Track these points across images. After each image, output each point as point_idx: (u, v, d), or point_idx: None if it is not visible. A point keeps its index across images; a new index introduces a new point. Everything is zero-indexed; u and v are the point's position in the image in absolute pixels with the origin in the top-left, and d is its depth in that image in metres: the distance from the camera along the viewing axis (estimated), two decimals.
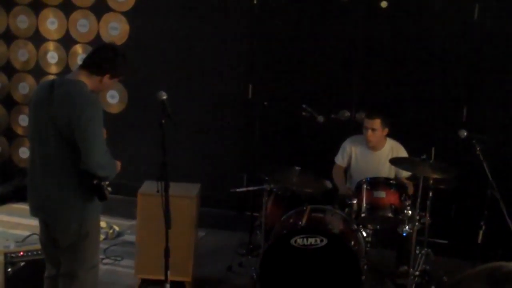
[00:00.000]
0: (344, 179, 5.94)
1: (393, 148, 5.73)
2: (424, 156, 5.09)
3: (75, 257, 4.00)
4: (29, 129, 4.08)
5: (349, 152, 5.89)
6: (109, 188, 3.93)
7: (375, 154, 5.76)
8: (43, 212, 4.01)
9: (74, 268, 4.01)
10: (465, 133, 5.36)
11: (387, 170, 5.67)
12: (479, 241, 5.26)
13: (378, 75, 6.69)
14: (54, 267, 4.16)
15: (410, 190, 5.46)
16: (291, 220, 5.16)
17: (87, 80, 3.91)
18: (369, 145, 5.72)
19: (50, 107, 3.82)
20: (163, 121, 4.05)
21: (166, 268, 4.14)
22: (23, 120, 7.84)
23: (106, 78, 3.96)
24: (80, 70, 3.96)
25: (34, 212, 4.06)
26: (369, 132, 5.62)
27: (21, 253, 4.78)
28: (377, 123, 5.59)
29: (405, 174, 5.64)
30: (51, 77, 7.53)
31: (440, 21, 6.46)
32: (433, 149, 5.40)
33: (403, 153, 5.72)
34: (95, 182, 3.85)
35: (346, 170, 5.98)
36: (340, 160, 5.94)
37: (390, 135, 5.76)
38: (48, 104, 3.84)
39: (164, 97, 4.19)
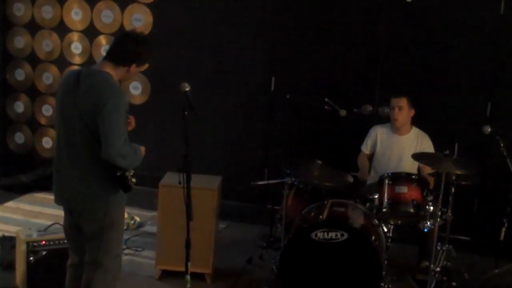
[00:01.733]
0: (367, 166, 5.99)
1: (419, 136, 5.78)
2: (447, 152, 5.05)
3: (100, 246, 4.02)
4: (56, 118, 4.09)
5: (374, 137, 5.94)
6: (134, 179, 3.93)
7: (400, 138, 5.79)
8: (68, 200, 4.03)
9: (99, 257, 4.04)
10: (489, 129, 5.30)
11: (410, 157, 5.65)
12: (502, 238, 5.20)
13: (401, 69, 6.65)
14: (77, 255, 4.19)
15: (431, 184, 5.42)
16: (312, 214, 5.14)
17: (113, 71, 3.92)
18: (395, 124, 5.76)
19: (76, 96, 3.84)
20: (185, 112, 4.05)
21: (187, 259, 4.14)
22: (47, 110, 7.89)
23: (133, 68, 3.98)
24: (105, 62, 3.97)
25: (59, 200, 4.08)
26: (396, 110, 5.70)
27: (43, 242, 4.81)
28: (404, 101, 5.68)
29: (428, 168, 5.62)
30: (75, 67, 7.58)
31: (465, 16, 6.40)
32: (456, 144, 5.35)
33: (428, 142, 5.77)
34: (118, 173, 3.85)
35: (371, 159, 5.99)
36: (365, 147, 6.01)
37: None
38: (74, 93, 3.85)
39: (187, 89, 4.20)
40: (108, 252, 4.05)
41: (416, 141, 5.76)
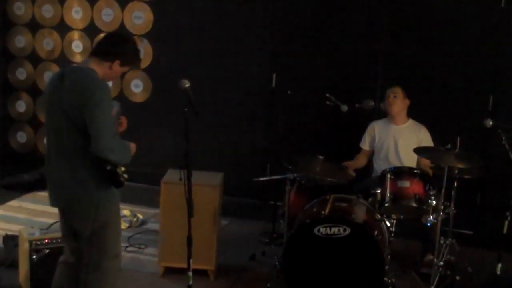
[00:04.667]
0: (361, 163, 6.01)
1: (416, 127, 5.85)
2: (449, 146, 5.04)
3: (96, 247, 3.99)
4: (45, 120, 4.08)
5: (372, 132, 5.99)
6: (126, 175, 3.89)
7: (396, 128, 5.86)
8: (60, 201, 4.01)
9: (96, 258, 4.01)
10: (491, 123, 5.28)
11: (407, 145, 5.66)
12: (505, 231, 5.19)
13: (403, 64, 6.64)
14: (74, 256, 4.14)
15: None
16: (314, 209, 5.14)
17: (97, 67, 3.91)
18: (391, 112, 5.84)
19: (62, 95, 3.82)
20: (186, 109, 4.05)
21: (189, 256, 4.15)
22: None
23: (116, 65, 3.94)
24: (91, 57, 3.97)
25: (53, 202, 4.06)
26: (391, 97, 5.81)
27: (46, 241, 4.82)
28: (398, 89, 5.82)
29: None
30: None
31: (466, 9, 6.38)
32: (458, 138, 5.33)
33: (426, 133, 5.81)
34: (108, 168, 3.81)
35: (370, 158, 6.00)
36: (363, 143, 6.05)
37: (418, 122, 5.78)
38: (59, 93, 3.83)
39: (187, 85, 4.19)
40: (105, 253, 4.01)
41: (414, 131, 5.80)
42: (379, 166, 5.83)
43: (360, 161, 6.02)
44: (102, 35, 7.47)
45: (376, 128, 5.98)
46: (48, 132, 3.99)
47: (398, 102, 5.79)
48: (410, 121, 5.90)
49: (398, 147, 5.79)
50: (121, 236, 4.28)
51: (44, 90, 4.08)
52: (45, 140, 7.76)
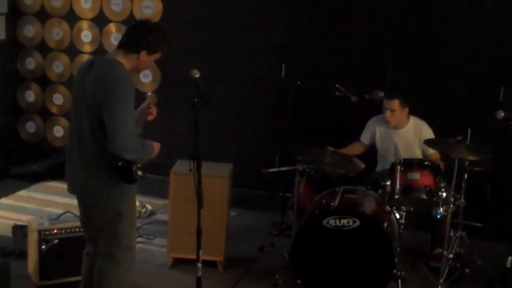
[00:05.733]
0: (351, 150, 5.92)
1: (417, 126, 5.72)
2: (459, 137, 5.01)
3: (110, 237, 4.02)
4: (70, 106, 4.09)
5: (373, 131, 5.92)
6: (140, 172, 3.85)
7: (398, 133, 5.75)
8: (77, 190, 4.04)
9: (110, 248, 4.03)
10: (502, 114, 5.24)
11: (414, 149, 5.67)
12: None
13: (413, 54, 6.60)
14: (92, 245, 4.19)
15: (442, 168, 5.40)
16: (324, 201, 5.12)
17: (125, 60, 3.89)
18: (389, 125, 5.72)
19: (86, 85, 3.83)
20: (195, 99, 4.03)
21: (198, 247, 4.14)
22: (58, 99, 7.89)
23: (143, 55, 3.92)
24: (117, 50, 3.95)
25: (71, 189, 4.08)
26: (388, 112, 5.63)
27: (55, 231, 4.83)
28: (395, 103, 5.58)
29: (431, 151, 5.60)
30: (85, 56, 7.58)
31: (477, 1, 6.33)
32: (469, 130, 5.30)
33: (427, 130, 5.70)
34: (120, 164, 3.78)
35: (369, 150, 5.99)
36: (364, 137, 5.99)
37: (424, 114, 5.70)
38: (84, 83, 3.84)
39: (197, 75, 4.17)
40: (119, 244, 4.02)
41: (415, 133, 5.69)
42: (380, 164, 5.86)
43: (354, 150, 5.95)
44: (111, 24, 7.50)
45: (378, 131, 5.87)
46: (71, 119, 4.00)
47: (395, 115, 5.62)
48: (411, 122, 5.74)
49: (399, 150, 5.72)
50: (135, 229, 4.28)
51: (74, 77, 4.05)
52: (54, 130, 7.87)
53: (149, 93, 4.31)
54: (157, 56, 4.03)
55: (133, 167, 3.83)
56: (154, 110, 4.22)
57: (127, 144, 3.75)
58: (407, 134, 5.73)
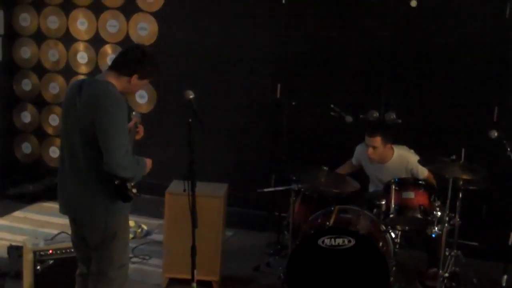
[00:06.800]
0: (343, 170, 5.92)
1: (402, 158, 5.64)
2: (454, 157, 5.04)
3: (103, 256, 4.01)
4: (60, 128, 4.11)
5: (359, 160, 5.91)
6: (134, 190, 3.87)
7: (384, 167, 5.70)
8: (71, 210, 4.04)
9: (103, 267, 4.02)
10: (496, 134, 5.28)
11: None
12: (510, 243, 5.18)
13: (407, 74, 6.63)
14: (84, 265, 4.19)
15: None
16: (319, 221, 5.13)
17: (116, 81, 3.92)
18: (372, 160, 5.67)
19: (77, 106, 3.84)
20: (190, 120, 4.05)
21: (193, 267, 4.14)
22: (54, 120, 7.91)
23: (134, 79, 3.94)
24: (109, 71, 3.98)
25: (63, 210, 4.08)
26: (370, 149, 5.57)
27: (50, 251, 4.83)
28: (377, 141, 5.52)
29: (423, 175, 5.54)
30: (81, 77, 7.59)
31: (470, 20, 6.38)
32: (463, 149, 5.33)
33: (412, 158, 5.61)
34: (116, 182, 3.80)
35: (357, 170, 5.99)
36: (354, 159, 5.98)
37: (418, 134, 5.72)
38: (75, 104, 3.86)
39: (191, 96, 4.20)
40: (112, 263, 4.02)
41: (401, 165, 5.62)
42: (372, 184, 5.89)
43: (347, 169, 5.94)
44: (107, 46, 7.54)
45: (363, 161, 5.84)
46: (62, 140, 4.02)
47: (378, 152, 5.56)
48: (395, 154, 5.66)
49: (383, 180, 5.59)
50: (129, 247, 4.29)
51: (63, 98, 4.07)
52: (50, 150, 7.87)
53: (134, 113, 4.35)
54: (146, 81, 4.06)
55: (128, 185, 3.84)
56: (141, 129, 4.25)
57: (123, 162, 3.78)
58: (393, 167, 5.65)
